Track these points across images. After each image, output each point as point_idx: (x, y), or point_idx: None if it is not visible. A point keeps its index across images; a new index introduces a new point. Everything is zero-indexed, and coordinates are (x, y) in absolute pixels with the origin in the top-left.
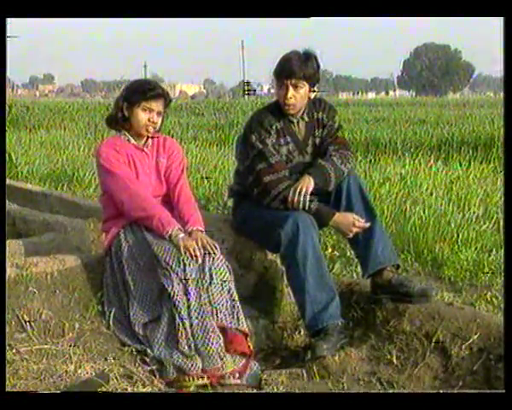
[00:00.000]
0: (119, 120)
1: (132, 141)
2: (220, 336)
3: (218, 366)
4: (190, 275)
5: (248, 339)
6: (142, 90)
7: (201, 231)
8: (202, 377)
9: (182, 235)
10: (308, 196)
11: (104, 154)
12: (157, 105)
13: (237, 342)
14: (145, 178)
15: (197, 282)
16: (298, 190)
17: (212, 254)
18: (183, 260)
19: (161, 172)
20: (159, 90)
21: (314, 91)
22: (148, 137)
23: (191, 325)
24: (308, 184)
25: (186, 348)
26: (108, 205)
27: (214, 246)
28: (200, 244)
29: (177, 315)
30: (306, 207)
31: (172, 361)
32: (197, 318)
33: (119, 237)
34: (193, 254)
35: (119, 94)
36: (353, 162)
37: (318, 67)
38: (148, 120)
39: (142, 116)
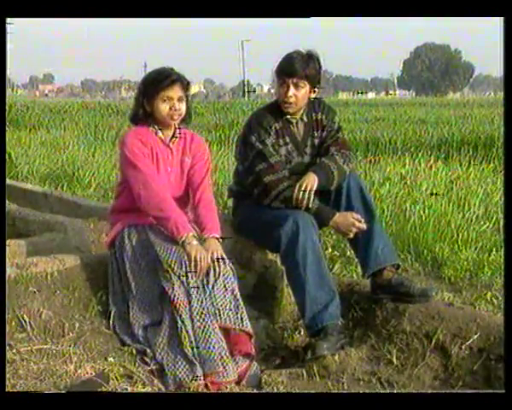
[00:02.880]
0: (142, 116)
1: (160, 134)
2: (222, 339)
3: (218, 370)
4: (192, 277)
5: (252, 340)
6: (156, 82)
7: (217, 238)
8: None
9: (195, 242)
10: (312, 194)
11: (129, 144)
12: (175, 92)
13: (241, 343)
14: (164, 176)
15: (199, 283)
16: (303, 188)
17: (217, 269)
18: (185, 262)
19: (185, 171)
20: (173, 76)
21: (314, 92)
22: (175, 129)
23: (193, 328)
24: (313, 181)
25: (189, 351)
26: (122, 195)
27: (223, 260)
28: (209, 258)
29: (178, 318)
30: (310, 205)
31: (174, 372)
32: (199, 320)
33: (122, 235)
34: (198, 266)
35: (137, 89)
36: (355, 162)
37: (320, 68)
38: (170, 109)
39: (162, 107)
